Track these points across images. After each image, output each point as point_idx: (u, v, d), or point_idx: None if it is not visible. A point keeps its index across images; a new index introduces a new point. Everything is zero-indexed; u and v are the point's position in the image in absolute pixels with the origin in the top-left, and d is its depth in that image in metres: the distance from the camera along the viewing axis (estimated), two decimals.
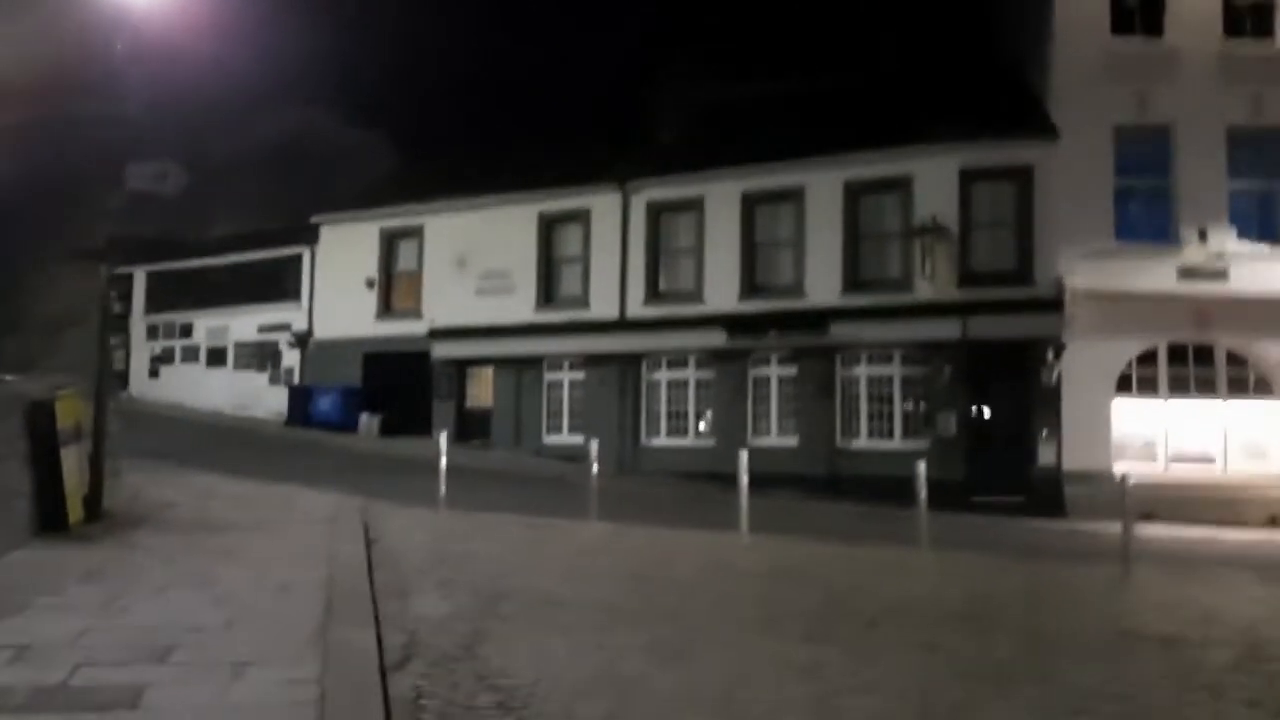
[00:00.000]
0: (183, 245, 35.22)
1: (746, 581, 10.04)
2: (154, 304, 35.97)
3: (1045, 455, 21.65)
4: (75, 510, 10.28)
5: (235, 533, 10.71)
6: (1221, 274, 21.54)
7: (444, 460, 14.52)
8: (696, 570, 10.55)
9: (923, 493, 12.62)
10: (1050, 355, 21.39)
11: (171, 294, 35.41)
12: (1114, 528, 19.45)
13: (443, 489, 14.28)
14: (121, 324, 36.22)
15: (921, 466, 12.78)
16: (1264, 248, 21.74)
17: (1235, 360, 21.97)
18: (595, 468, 13.97)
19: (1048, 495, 21.30)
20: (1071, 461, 21.51)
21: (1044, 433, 21.51)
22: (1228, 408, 21.92)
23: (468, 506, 14.69)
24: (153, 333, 35.82)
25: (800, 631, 7.59)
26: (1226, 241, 21.67)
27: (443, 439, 14.92)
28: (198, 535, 10.40)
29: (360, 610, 7.49)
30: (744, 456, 13.15)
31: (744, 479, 13.04)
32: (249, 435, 27.55)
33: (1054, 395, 21.66)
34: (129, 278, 36.06)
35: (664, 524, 14.62)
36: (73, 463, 10.35)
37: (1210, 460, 21.84)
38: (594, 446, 14.12)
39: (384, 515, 13.16)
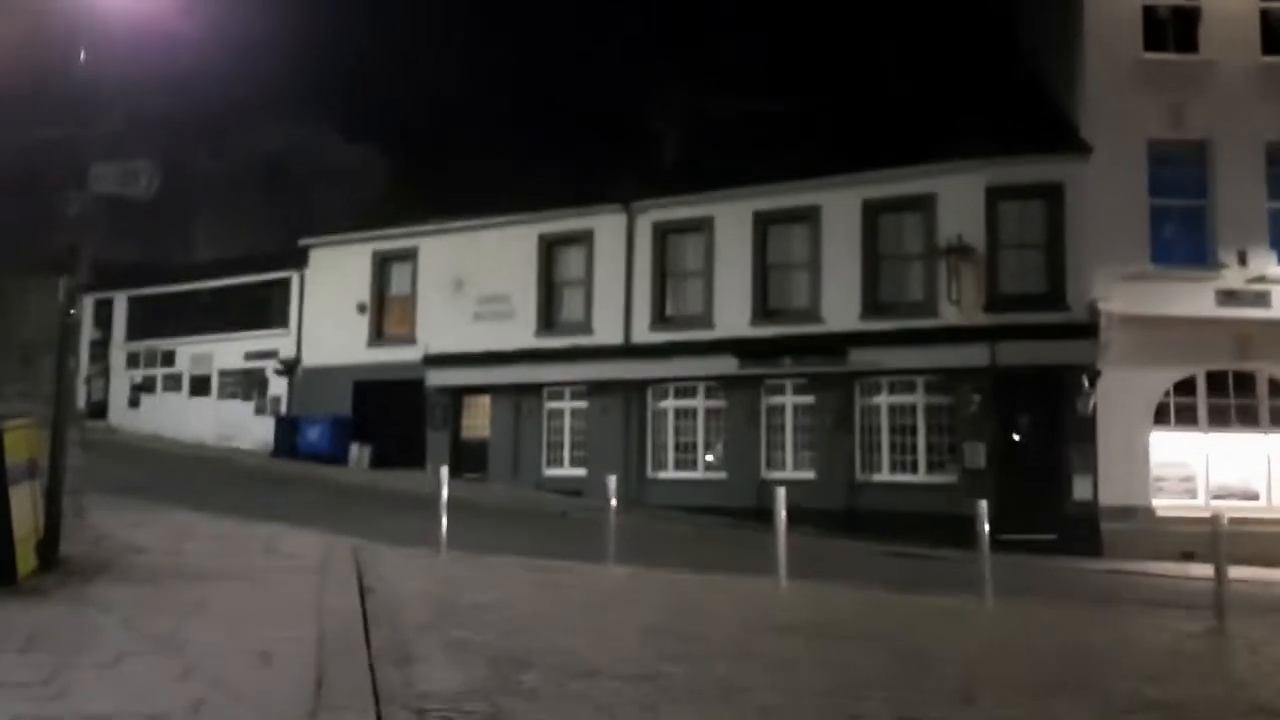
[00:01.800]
0: (165, 269, 33.91)
1: (801, 640, 8.72)
2: (135, 330, 34.55)
3: (1080, 490, 20.43)
4: (26, 559, 8.89)
5: (211, 583, 9.35)
6: (1263, 298, 20.49)
7: (445, 495, 13.19)
8: (739, 625, 9.23)
9: (985, 529, 11.33)
10: (1085, 383, 20.20)
11: (153, 320, 34.02)
12: (1160, 568, 18.45)
13: (444, 527, 12.92)
14: (101, 351, 34.89)
15: (984, 506, 11.49)
16: None
17: (1278, 389, 20.83)
18: (614, 503, 12.66)
19: (1083, 532, 20.09)
20: (1108, 497, 20.36)
21: (1080, 465, 20.31)
22: (1271, 440, 20.76)
23: (470, 547, 13.41)
24: (133, 360, 34.37)
25: (887, 710, 6.28)
26: (1267, 264, 20.64)
27: (443, 472, 13.58)
28: (167, 586, 9.05)
29: (356, 684, 6.17)
30: (781, 494, 11.87)
31: (781, 514, 11.74)
32: (233, 468, 26.14)
33: (1088, 426, 20.49)
34: (109, 303, 34.76)
35: (686, 566, 13.34)
36: (25, 504, 8.99)
37: (1254, 496, 20.67)
38: (611, 482, 12.81)
39: (379, 558, 11.84)
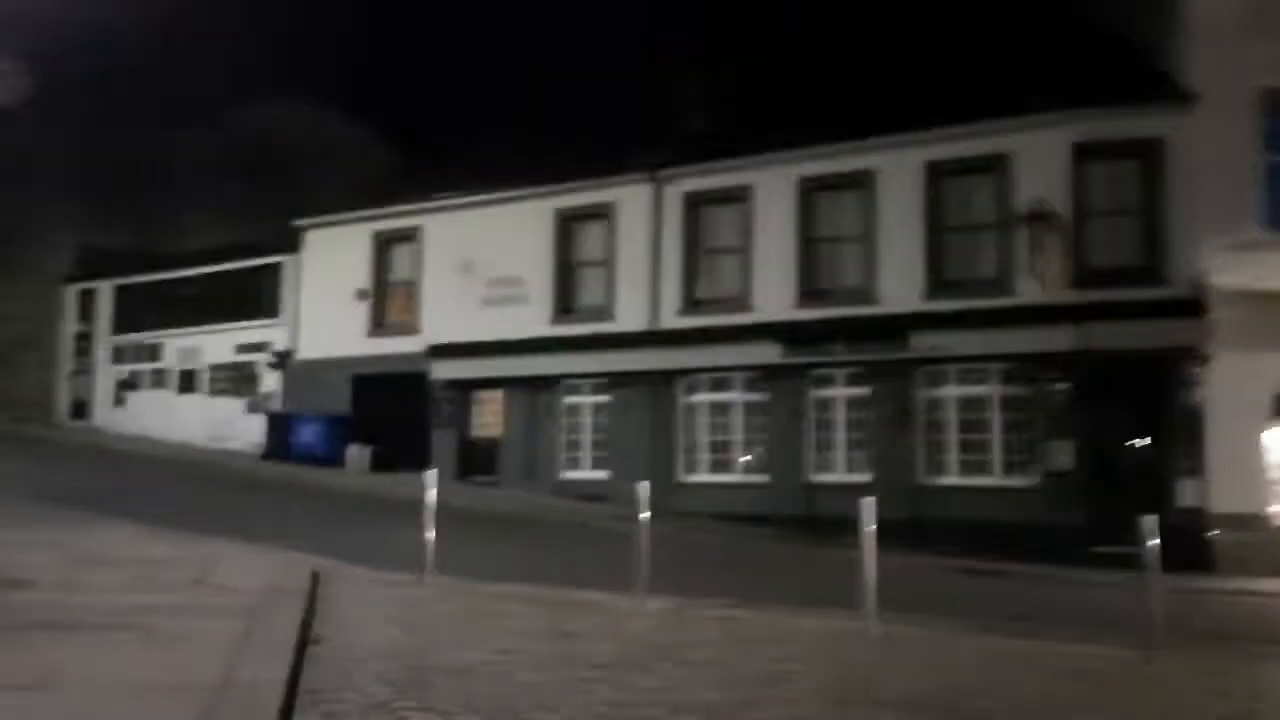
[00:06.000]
0: (153, 256, 31.43)
1: None
2: (121, 323, 32.07)
3: (1185, 495, 17.65)
4: None
5: (89, 636, 6.66)
6: None
7: (431, 502, 10.50)
8: (835, 701, 6.46)
9: (1154, 553, 8.61)
10: (1192, 370, 17.40)
11: (140, 311, 31.58)
12: None
13: (430, 546, 10.21)
14: (85, 345, 32.44)
15: (1152, 523, 8.83)
16: None
17: None
18: (645, 517, 9.91)
19: (1190, 545, 17.20)
20: (1218, 503, 17.59)
21: (1185, 466, 17.58)
22: None
23: (466, 569, 10.81)
24: (119, 355, 31.88)
25: None
26: None
27: (431, 477, 10.89)
28: (21, 643, 6.36)
29: None
30: (869, 506, 9.14)
31: (870, 529, 9.04)
32: (214, 472, 23.58)
33: (1195, 420, 17.72)
34: (94, 293, 32.29)
35: (740, 597, 10.65)
36: None
37: None
38: (643, 490, 10.07)
39: (345, 588, 9.21)
